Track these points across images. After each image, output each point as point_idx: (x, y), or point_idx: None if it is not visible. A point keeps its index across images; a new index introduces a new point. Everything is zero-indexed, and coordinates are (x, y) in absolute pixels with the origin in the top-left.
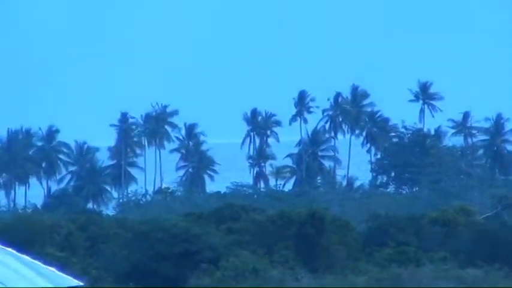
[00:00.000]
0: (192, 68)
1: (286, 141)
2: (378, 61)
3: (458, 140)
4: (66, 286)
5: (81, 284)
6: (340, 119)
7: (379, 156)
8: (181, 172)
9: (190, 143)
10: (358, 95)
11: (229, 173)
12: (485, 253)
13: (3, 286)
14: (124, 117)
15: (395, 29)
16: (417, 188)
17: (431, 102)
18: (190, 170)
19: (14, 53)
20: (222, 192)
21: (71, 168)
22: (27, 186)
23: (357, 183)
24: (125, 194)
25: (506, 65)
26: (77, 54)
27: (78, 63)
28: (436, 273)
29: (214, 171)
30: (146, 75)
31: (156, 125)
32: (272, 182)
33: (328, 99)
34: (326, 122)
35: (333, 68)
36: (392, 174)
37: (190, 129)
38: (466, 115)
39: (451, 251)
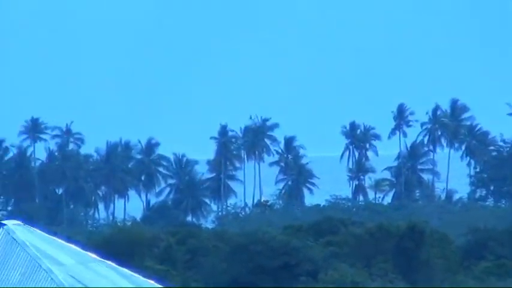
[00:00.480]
0: (290, 82)
1: (384, 154)
2: (476, 75)
3: None
4: None
5: None
6: (439, 133)
7: (478, 169)
8: (281, 185)
9: (290, 156)
10: (457, 108)
11: (328, 186)
12: None
13: None
14: (223, 130)
15: (494, 43)
16: None
17: None
18: (289, 183)
19: (112, 68)
20: (321, 205)
21: (170, 181)
22: (126, 199)
23: (456, 197)
24: (224, 207)
25: None
26: (177, 68)
27: (178, 77)
28: None
29: (313, 184)
30: (245, 89)
31: (255, 138)
32: (371, 195)
33: (426, 113)
34: (425, 136)
35: (431, 82)
36: (492, 187)
37: (289, 142)
38: None
39: None
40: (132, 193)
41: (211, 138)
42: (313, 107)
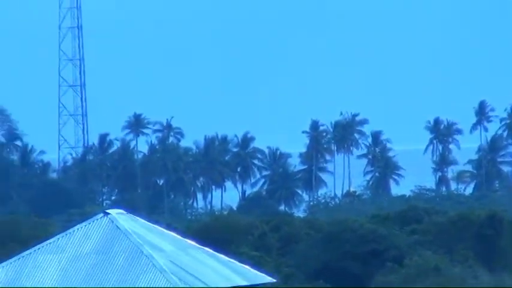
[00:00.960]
0: (378, 80)
1: (466, 148)
2: None
3: None
4: (260, 283)
5: (274, 281)
6: None
7: None
8: (368, 177)
9: (377, 149)
10: None
11: (413, 178)
12: None
13: (206, 286)
14: (315, 124)
15: None
16: None
17: None
18: (376, 174)
19: (209, 67)
20: (406, 196)
21: (265, 173)
22: (223, 189)
23: None
24: (315, 197)
25: None
26: (269, 65)
27: (270, 74)
28: None
29: (399, 175)
30: (335, 84)
31: (345, 132)
32: (453, 186)
33: (505, 110)
34: (504, 130)
35: (510, 81)
36: None
37: (377, 136)
38: None
39: None
40: (228, 184)
41: (303, 132)
42: (398, 104)
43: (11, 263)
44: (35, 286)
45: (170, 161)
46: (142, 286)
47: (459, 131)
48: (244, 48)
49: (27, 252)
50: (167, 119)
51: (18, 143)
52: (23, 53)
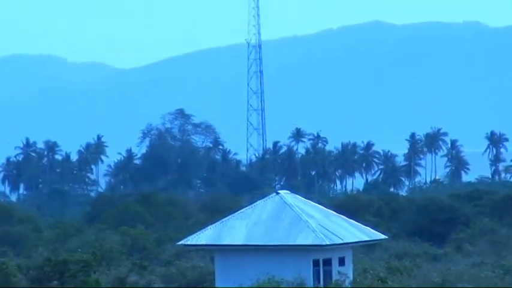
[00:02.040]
0: (455, 101)
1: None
2: None
3: None
4: (376, 239)
5: (386, 237)
6: None
7: None
8: (448, 169)
9: (453, 151)
10: None
11: (477, 170)
12: None
13: (342, 241)
14: (413, 135)
15: None
16: None
17: None
18: (453, 168)
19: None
20: (472, 182)
21: (380, 167)
22: (353, 177)
23: None
24: (413, 183)
25: None
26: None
27: (389, 97)
28: None
29: (468, 169)
30: (426, 105)
31: (432, 140)
32: (503, 175)
33: None
34: None
35: None
36: None
37: (453, 143)
38: None
39: None
40: (357, 174)
41: (406, 140)
42: (468, 120)
43: (216, 225)
44: (230, 242)
45: (319, 159)
46: (300, 242)
47: (506, 139)
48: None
49: (226, 218)
50: (317, 132)
51: (220, 147)
52: (226, 89)
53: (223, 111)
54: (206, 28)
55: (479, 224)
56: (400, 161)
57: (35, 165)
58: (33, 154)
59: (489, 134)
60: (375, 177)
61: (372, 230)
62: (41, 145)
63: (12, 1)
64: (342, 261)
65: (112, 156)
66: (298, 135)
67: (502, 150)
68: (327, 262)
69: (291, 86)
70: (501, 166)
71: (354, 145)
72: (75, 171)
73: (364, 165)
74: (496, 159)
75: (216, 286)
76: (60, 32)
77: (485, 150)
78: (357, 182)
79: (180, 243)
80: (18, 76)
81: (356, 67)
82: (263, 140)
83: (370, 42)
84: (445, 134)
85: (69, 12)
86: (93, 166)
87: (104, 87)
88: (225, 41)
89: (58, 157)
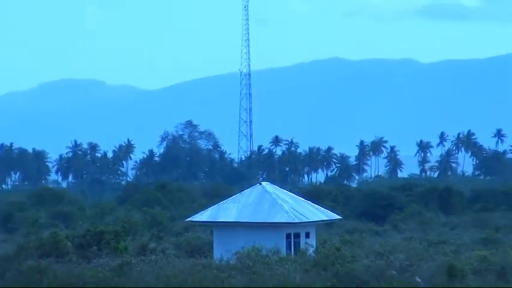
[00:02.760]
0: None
1: (435, 155)
2: None
3: None
4: (333, 218)
5: (341, 218)
6: None
7: None
8: (388, 168)
9: (392, 154)
10: None
11: (410, 169)
12: None
13: (307, 220)
14: (362, 142)
15: None
16: None
17: None
18: (391, 167)
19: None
20: (405, 178)
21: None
22: (310, 175)
23: None
24: (361, 177)
25: None
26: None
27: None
28: None
29: (402, 168)
30: (374, 119)
31: (376, 146)
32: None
33: None
34: None
35: None
36: None
37: (392, 148)
38: None
39: None
40: (320, 170)
41: (356, 146)
42: (402, 129)
43: (214, 207)
44: (225, 219)
45: (292, 159)
46: (277, 220)
47: (431, 146)
48: None
49: (222, 202)
50: (291, 139)
51: (219, 149)
52: (224, 106)
53: (221, 122)
54: (211, 59)
55: (410, 208)
56: (352, 161)
57: (81, 160)
58: (80, 152)
59: (419, 141)
60: (333, 172)
61: (330, 211)
62: (85, 146)
63: (63, 35)
64: (307, 235)
65: (138, 154)
66: (276, 141)
67: (428, 154)
68: (297, 235)
69: (272, 105)
70: (427, 166)
71: (318, 149)
72: (110, 166)
73: (325, 163)
74: (423, 161)
75: (214, 252)
76: (100, 60)
77: (416, 154)
78: (319, 176)
79: (187, 220)
80: (69, 95)
81: (321, 92)
82: (250, 144)
83: (331, 73)
84: (386, 141)
85: (107, 43)
86: (123, 162)
87: (133, 103)
88: (224, 69)
89: (98, 155)
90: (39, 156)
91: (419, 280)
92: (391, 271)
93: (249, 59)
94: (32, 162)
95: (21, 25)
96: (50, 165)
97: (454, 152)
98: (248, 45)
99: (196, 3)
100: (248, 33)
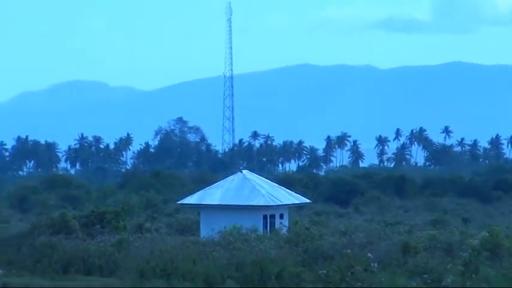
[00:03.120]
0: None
1: (391, 148)
2: None
3: None
4: (303, 201)
5: (310, 201)
6: None
7: None
8: (351, 159)
9: (350, 147)
10: None
11: (370, 161)
12: None
13: (281, 203)
14: (329, 138)
15: None
16: None
17: None
18: (353, 159)
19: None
20: (365, 168)
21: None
22: (287, 165)
23: None
24: (331, 166)
25: None
26: None
27: None
28: None
29: (363, 158)
30: (336, 115)
31: (341, 140)
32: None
33: None
34: None
35: None
36: None
37: (354, 142)
38: None
39: None
40: (292, 161)
41: (324, 139)
42: (363, 125)
43: (201, 192)
44: (210, 202)
45: (268, 151)
46: (255, 203)
47: (389, 140)
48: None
49: (207, 188)
50: (267, 133)
51: (205, 142)
52: (210, 105)
53: (208, 118)
54: (200, 63)
55: (370, 194)
56: (320, 153)
57: (87, 151)
58: (86, 144)
59: (378, 136)
60: (303, 163)
61: (301, 196)
62: (90, 138)
63: (72, 38)
64: (281, 216)
65: (136, 146)
66: (255, 135)
67: (386, 147)
68: (272, 216)
69: (251, 104)
70: (385, 157)
71: (291, 142)
72: (112, 155)
73: (297, 155)
74: (381, 153)
75: (201, 231)
76: (103, 63)
77: (375, 147)
78: (292, 166)
79: (178, 202)
80: (76, 95)
81: (294, 93)
82: (232, 137)
83: (303, 77)
84: (349, 136)
85: (110, 46)
86: (123, 152)
87: (132, 102)
88: (210, 73)
89: (101, 146)
90: (50, 147)
91: (370, 256)
92: (347, 250)
93: (231, 64)
94: (44, 153)
95: (34, 31)
96: (60, 155)
97: (408, 145)
98: (231, 52)
99: (186, 16)
100: (231, 42)
